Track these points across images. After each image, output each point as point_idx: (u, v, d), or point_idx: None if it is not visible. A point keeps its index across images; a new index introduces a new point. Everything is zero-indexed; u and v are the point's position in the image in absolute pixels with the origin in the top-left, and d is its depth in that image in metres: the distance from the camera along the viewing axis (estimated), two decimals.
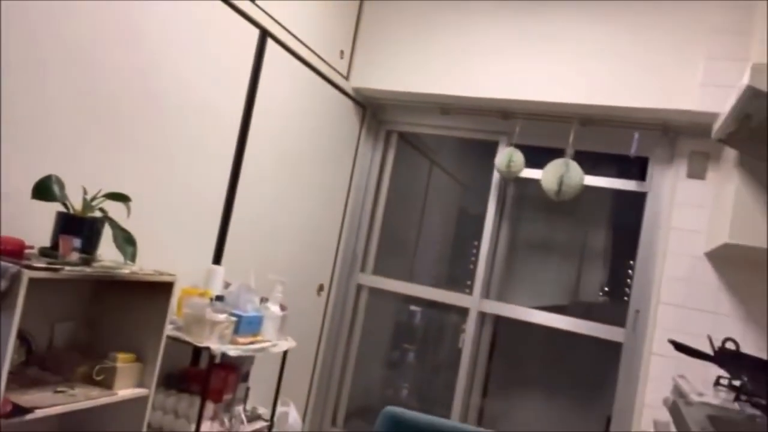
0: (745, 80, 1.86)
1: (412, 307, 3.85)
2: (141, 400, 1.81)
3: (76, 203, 1.65)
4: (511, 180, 3.22)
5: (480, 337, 3.28)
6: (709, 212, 2.75)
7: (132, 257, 1.66)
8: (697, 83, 2.64)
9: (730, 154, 2.45)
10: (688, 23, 2.70)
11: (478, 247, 3.28)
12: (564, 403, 3.39)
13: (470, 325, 3.20)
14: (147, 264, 1.92)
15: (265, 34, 2.56)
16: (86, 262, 1.59)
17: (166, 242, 2.24)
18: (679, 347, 2.15)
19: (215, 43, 2.32)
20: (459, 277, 3.71)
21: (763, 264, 2.61)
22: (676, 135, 2.87)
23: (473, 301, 3.21)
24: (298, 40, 2.78)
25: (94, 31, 1.83)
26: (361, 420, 3.58)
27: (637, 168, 3.04)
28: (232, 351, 2.10)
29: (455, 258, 4.02)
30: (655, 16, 2.76)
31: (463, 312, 3.25)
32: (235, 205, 2.56)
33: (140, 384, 1.81)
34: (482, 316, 3.25)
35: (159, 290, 1.84)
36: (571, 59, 2.88)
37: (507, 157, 3.05)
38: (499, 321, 3.29)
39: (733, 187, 2.33)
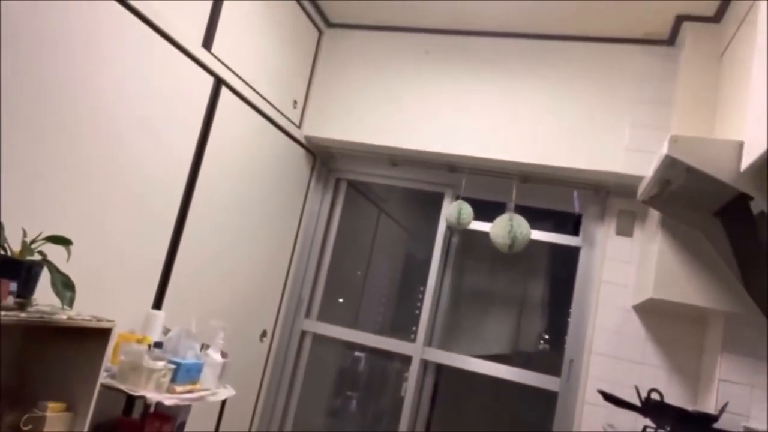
0: (664, 150, 2.05)
1: (357, 353, 3.84)
2: None
3: (15, 245, 1.61)
4: (459, 231, 3.34)
5: (422, 384, 3.30)
6: (636, 268, 2.94)
7: (70, 302, 1.63)
8: (624, 148, 2.87)
9: (655, 214, 2.64)
10: (616, 92, 2.94)
11: (423, 295, 3.35)
12: None
13: (413, 373, 3.23)
14: (84, 308, 1.87)
15: (219, 82, 2.61)
16: (21, 307, 1.55)
17: (105, 286, 2.19)
18: (608, 397, 2.25)
19: (169, 89, 2.34)
20: (404, 324, 3.75)
21: (685, 318, 2.79)
22: (606, 194, 3.08)
23: (416, 349, 3.25)
24: (252, 89, 2.85)
25: (41, 71, 1.83)
26: None
27: (572, 223, 3.23)
28: (169, 400, 2.05)
29: (400, 305, 4.07)
30: (588, 84, 2.99)
31: (407, 359, 3.28)
32: (180, 249, 2.53)
33: None
34: (425, 363, 3.28)
35: (96, 336, 1.79)
36: (512, 120, 3.06)
37: (456, 209, 3.17)
38: (442, 369, 3.34)
39: (657, 246, 2.51)
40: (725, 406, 2.21)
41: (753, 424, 2.32)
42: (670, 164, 2.07)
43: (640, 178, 2.71)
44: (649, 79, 2.91)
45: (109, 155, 2.12)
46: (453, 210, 3.19)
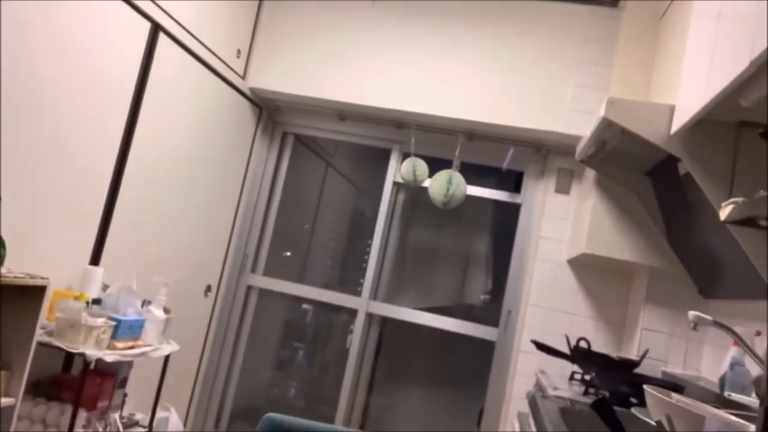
0: (601, 112, 2.12)
1: (304, 306, 3.89)
2: (7, 411, 1.70)
3: None
4: (406, 187, 3.37)
5: (367, 337, 3.39)
6: (571, 224, 3.07)
7: (0, 260, 1.56)
8: (565, 108, 2.94)
9: (591, 173, 2.75)
10: (560, 53, 2.99)
11: (369, 248, 3.40)
12: (444, 397, 3.60)
13: (358, 326, 3.31)
14: (16, 265, 1.80)
15: (156, 28, 2.48)
16: None
17: (38, 241, 2.10)
18: (540, 346, 2.38)
19: (103, 34, 2.21)
20: (351, 278, 3.80)
21: (613, 272, 2.96)
22: (547, 152, 3.17)
23: (362, 303, 3.32)
24: (193, 36, 2.72)
25: None
26: (245, 421, 3.56)
27: (513, 181, 3.32)
28: (109, 357, 2.03)
29: (347, 259, 4.11)
30: (532, 44, 3.02)
31: (353, 313, 3.35)
32: (118, 202, 2.45)
33: (6, 393, 1.70)
34: (370, 317, 3.36)
35: (30, 294, 1.74)
36: (460, 78, 3.07)
37: (411, 166, 3.19)
38: (386, 321, 3.43)
39: (591, 203, 2.62)
40: (646, 352, 2.39)
41: (670, 369, 2.52)
42: (606, 126, 2.14)
43: (579, 138, 2.80)
44: (593, 40, 2.97)
45: (39, 105, 2.00)
46: (407, 167, 3.20)
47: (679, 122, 1.82)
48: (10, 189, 1.92)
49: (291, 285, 3.46)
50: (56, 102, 2.08)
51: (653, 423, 1.08)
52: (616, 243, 2.55)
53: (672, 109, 1.93)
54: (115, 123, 2.38)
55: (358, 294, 3.36)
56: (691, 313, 1.69)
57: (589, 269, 3.01)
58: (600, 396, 1.63)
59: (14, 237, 1.81)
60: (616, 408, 1.39)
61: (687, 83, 1.83)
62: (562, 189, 3.11)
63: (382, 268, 3.43)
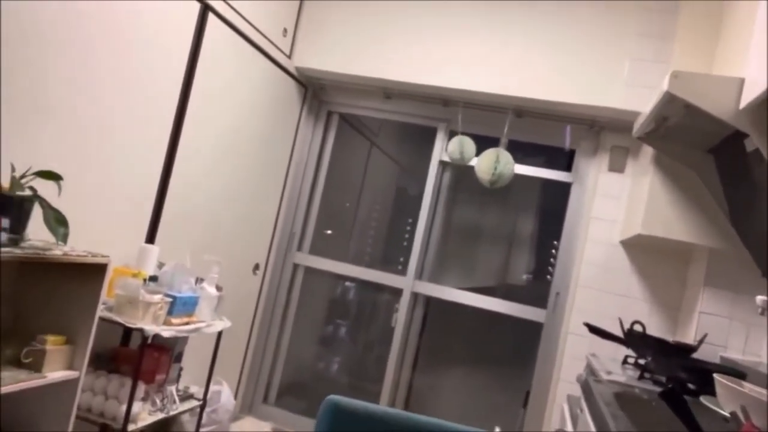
0: (664, 86, 2.01)
1: (348, 284, 3.91)
2: (71, 383, 1.78)
3: (4, 181, 1.58)
4: (452, 166, 3.32)
5: (412, 315, 3.40)
6: (626, 204, 2.97)
7: (63, 238, 1.61)
8: (622, 83, 2.82)
9: (648, 150, 2.64)
10: (617, 25, 2.85)
11: (413, 228, 3.38)
12: (488, 377, 3.59)
13: (403, 305, 3.31)
14: (78, 243, 1.86)
15: (206, 9, 2.49)
16: (15, 243, 1.53)
17: (98, 221, 2.17)
18: (592, 329, 2.33)
19: (154, 15, 2.23)
20: (394, 256, 3.80)
21: (670, 254, 2.85)
22: (600, 129, 3.06)
23: (407, 282, 3.32)
24: (241, 15, 2.72)
25: (25, 5, 1.73)
26: (293, 396, 3.64)
27: (565, 159, 3.22)
28: (166, 332, 2.09)
29: (391, 238, 4.11)
30: (587, 17, 2.90)
31: (397, 291, 3.35)
32: (171, 183, 2.50)
33: (71, 366, 1.78)
34: (415, 296, 3.36)
35: (91, 271, 1.80)
36: (509, 53, 2.98)
37: (459, 145, 3.14)
38: (431, 300, 3.42)
39: (648, 182, 2.52)
40: (704, 337, 2.30)
41: (730, 354, 2.43)
42: (669, 101, 2.04)
43: (636, 114, 2.69)
44: (652, 10, 2.82)
45: (97, 88, 2.04)
46: (455, 146, 3.15)
47: (748, 96, 1.72)
48: (71, 171, 1.97)
49: (336, 263, 3.48)
50: (110, 85, 2.12)
51: (725, 413, 1.03)
52: (674, 223, 2.45)
53: (741, 83, 1.82)
54: (167, 105, 2.42)
55: (401, 272, 3.35)
56: (760, 298, 1.61)
57: (644, 251, 2.91)
58: (669, 386, 1.57)
59: (75, 217, 1.87)
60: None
61: (757, 55, 1.71)
62: (616, 167, 3.00)
63: (427, 247, 3.41)
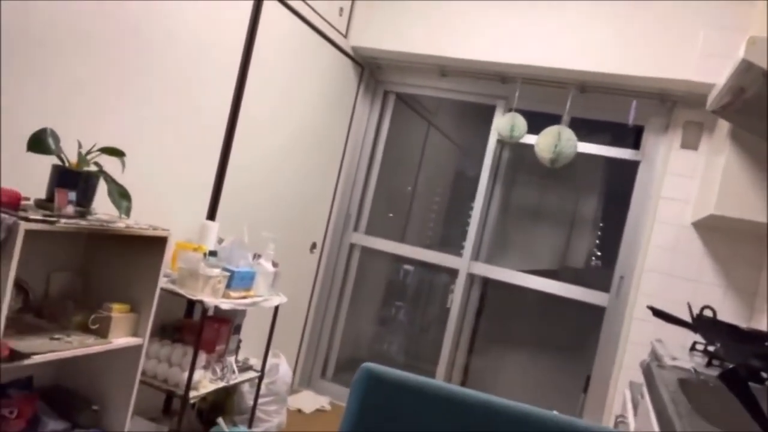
0: (740, 53, 1.86)
1: (405, 266, 3.92)
2: (135, 349, 1.88)
3: (72, 157, 1.67)
4: (510, 145, 3.23)
5: (468, 297, 3.36)
6: (698, 183, 2.78)
7: (127, 211, 1.69)
8: (696, 53, 2.63)
9: (724, 125, 2.46)
10: None
11: (471, 209, 3.32)
12: (548, 361, 3.50)
13: (459, 286, 3.28)
14: (141, 218, 1.95)
15: None
16: (81, 215, 1.62)
17: (160, 197, 2.27)
18: (657, 313, 2.21)
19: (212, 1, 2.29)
20: (453, 239, 3.77)
21: (746, 235, 2.66)
22: (672, 104, 2.88)
23: (463, 263, 3.27)
24: None
25: None
26: (350, 373, 3.69)
27: (632, 136, 3.06)
28: (225, 305, 2.16)
29: (449, 219, 4.07)
30: None
31: (453, 273, 3.32)
32: (230, 161, 2.58)
33: (135, 333, 1.88)
34: (471, 277, 3.32)
35: (153, 244, 1.88)
36: (570, 25, 2.85)
37: (509, 122, 3.05)
38: (488, 282, 3.37)
39: (723, 159, 2.35)
40: None
41: None
42: (745, 69, 1.88)
43: (711, 86, 2.50)
44: None
45: (157, 68, 2.12)
46: (505, 122, 3.07)
47: None
48: (134, 149, 2.06)
49: (392, 244, 3.49)
50: (171, 65, 2.19)
51: None
52: (751, 203, 2.28)
53: None
54: (226, 85, 2.48)
55: (460, 255, 3.31)
56: None
57: (717, 232, 2.73)
58: (731, 367, 1.47)
59: (140, 192, 1.96)
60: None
61: None
62: (690, 144, 2.81)
63: (484, 228, 3.35)
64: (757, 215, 2.25)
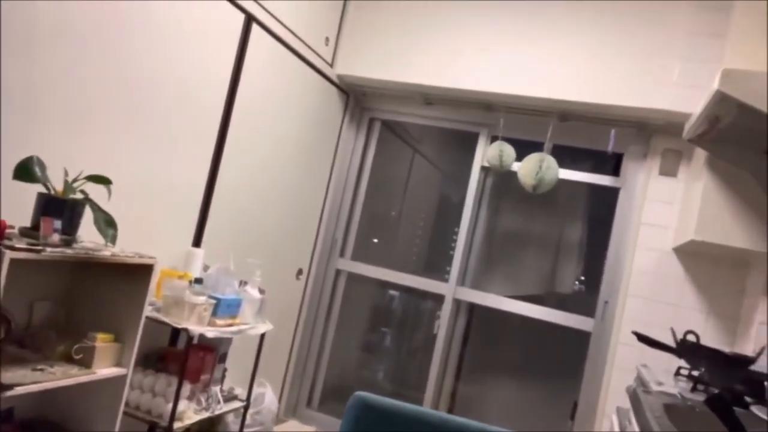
0: (715, 85, 1.93)
1: (390, 291, 3.91)
2: (119, 380, 1.84)
3: (57, 185, 1.66)
4: (494, 171, 3.28)
5: (455, 323, 3.36)
6: (678, 209, 2.85)
7: (113, 240, 1.68)
8: (672, 84, 2.72)
9: (701, 153, 2.53)
10: (666, 24, 2.76)
11: (456, 235, 3.35)
12: (534, 388, 3.50)
13: (445, 312, 3.28)
14: (127, 245, 1.94)
15: (250, 20, 2.56)
16: (67, 244, 1.61)
17: (146, 224, 2.26)
18: (642, 338, 2.23)
19: (200, 26, 2.32)
20: (438, 263, 3.78)
21: (727, 261, 2.72)
22: (650, 133, 2.95)
23: (449, 289, 3.28)
24: (284, 26, 2.79)
25: (77, 13, 1.82)
26: (336, 401, 3.65)
27: (612, 163, 3.13)
28: (210, 333, 2.14)
29: (434, 244, 4.09)
30: (634, 16, 2.81)
31: (439, 298, 3.32)
32: (216, 188, 2.58)
33: (119, 363, 1.85)
34: (457, 303, 3.32)
35: (139, 272, 1.87)
36: (552, 56, 2.93)
37: (497, 151, 3.11)
38: (475, 307, 3.38)
39: (702, 186, 2.41)
40: (763, 348, 2.17)
41: None
42: (720, 100, 1.95)
43: (687, 116, 2.58)
44: (704, 8, 2.71)
45: (144, 96, 2.13)
46: (494, 151, 3.12)
47: None
48: (120, 177, 2.06)
49: (378, 269, 3.49)
50: (158, 93, 2.20)
51: None
52: (730, 229, 2.33)
53: None
54: (214, 110, 2.50)
55: (446, 280, 3.32)
56: None
57: (698, 258, 2.78)
58: (716, 392, 1.49)
59: (126, 220, 1.95)
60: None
61: None
62: (668, 171, 2.88)
63: (469, 254, 3.37)
64: (737, 241, 2.30)
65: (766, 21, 2.47)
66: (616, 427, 2.26)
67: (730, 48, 2.57)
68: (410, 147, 4.12)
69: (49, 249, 1.50)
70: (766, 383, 0.98)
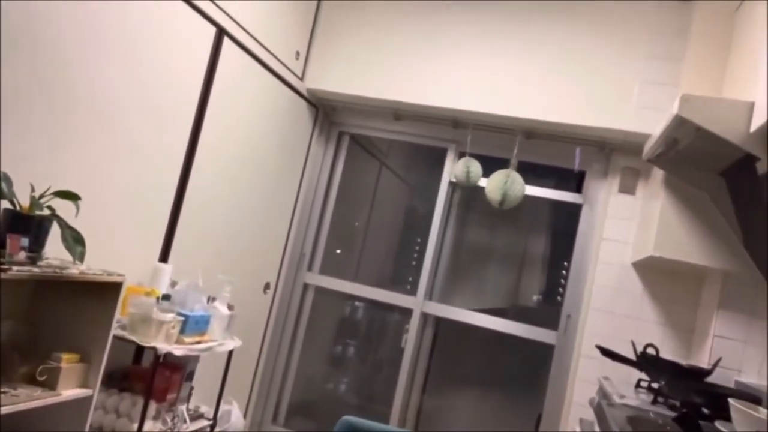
0: (674, 109, 2.03)
1: (358, 304, 3.91)
2: (84, 401, 1.78)
3: (24, 201, 1.61)
4: (472, 188, 3.34)
5: (422, 336, 3.38)
6: (637, 225, 2.96)
7: (81, 257, 1.64)
8: (632, 105, 2.84)
9: (659, 172, 2.65)
10: (627, 48, 2.88)
11: (423, 248, 3.38)
12: (499, 400, 3.55)
13: (413, 326, 3.30)
14: (93, 262, 1.89)
15: (221, 33, 2.54)
16: (33, 261, 1.56)
17: (112, 240, 2.20)
18: (605, 352, 2.31)
19: (170, 39, 2.29)
20: (404, 276, 3.80)
21: (683, 276, 2.84)
22: (611, 151, 3.07)
23: (416, 303, 3.31)
24: (255, 39, 2.78)
25: (44, 25, 1.78)
26: (302, 417, 3.62)
27: (576, 180, 3.23)
28: (178, 351, 2.10)
29: (401, 258, 4.11)
30: (596, 39, 2.93)
31: (407, 312, 3.35)
32: (185, 203, 2.54)
33: (84, 384, 1.79)
34: (425, 316, 3.35)
35: (106, 290, 1.82)
36: (518, 77, 3.02)
37: (465, 167, 3.17)
38: (441, 321, 3.41)
39: (660, 204, 2.52)
40: (718, 361, 2.28)
41: (744, 379, 2.40)
42: (679, 123, 2.05)
43: (646, 136, 2.69)
44: (662, 34, 2.85)
45: (113, 109, 2.09)
46: (461, 168, 3.18)
47: (759, 120, 1.73)
48: (87, 191, 2.01)
49: (346, 283, 3.49)
50: (127, 106, 2.16)
51: None
52: (686, 246, 2.44)
53: (751, 107, 1.84)
54: (183, 126, 2.46)
55: (411, 292, 3.35)
56: None
57: (656, 273, 2.90)
58: (684, 410, 1.56)
59: (90, 235, 1.90)
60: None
61: (766, 79, 1.73)
62: (627, 189, 3.00)
63: (437, 268, 3.41)
64: (693, 257, 2.41)
65: (721, 47, 2.62)
66: None
67: (687, 72, 2.71)
68: (378, 160, 4.15)
69: (15, 268, 1.45)
70: (729, 399, 1.04)
